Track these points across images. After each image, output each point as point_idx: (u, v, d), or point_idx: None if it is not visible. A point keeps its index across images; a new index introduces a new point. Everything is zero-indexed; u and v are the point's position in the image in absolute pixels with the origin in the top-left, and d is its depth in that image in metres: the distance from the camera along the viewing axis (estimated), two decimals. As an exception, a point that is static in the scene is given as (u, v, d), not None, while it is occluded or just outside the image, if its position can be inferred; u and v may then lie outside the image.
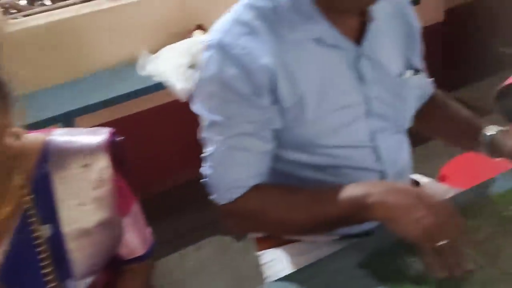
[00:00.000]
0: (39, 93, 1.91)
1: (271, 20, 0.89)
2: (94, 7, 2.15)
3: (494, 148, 1.04)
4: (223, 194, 0.93)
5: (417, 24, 1.06)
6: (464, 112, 1.14)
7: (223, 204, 0.93)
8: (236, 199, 0.92)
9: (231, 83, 0.87)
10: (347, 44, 0.92)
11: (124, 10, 2.14)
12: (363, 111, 0.95)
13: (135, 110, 2.21)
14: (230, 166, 0.92)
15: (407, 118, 1.05)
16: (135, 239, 0.89)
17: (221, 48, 0.88)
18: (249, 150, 0.90)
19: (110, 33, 2.12)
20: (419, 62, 1.06)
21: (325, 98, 0.92)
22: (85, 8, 2.15)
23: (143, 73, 1.93)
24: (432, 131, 1.22)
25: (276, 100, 0.89)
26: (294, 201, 0.90)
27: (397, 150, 1.03)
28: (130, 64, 2.02)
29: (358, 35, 0.94)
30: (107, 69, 2.08)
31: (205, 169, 0.96)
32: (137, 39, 2.12)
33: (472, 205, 0.94)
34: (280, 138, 0.93)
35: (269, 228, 1.00)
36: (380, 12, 0.96)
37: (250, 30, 0.88)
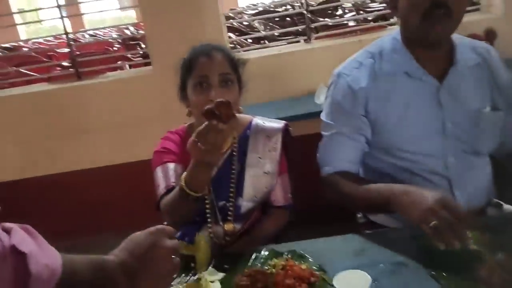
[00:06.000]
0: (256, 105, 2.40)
1: (376, 59, 1.36)
2: (291, 48, 2.88)
3: None
4: (324, 168, 1.39)
5: (506, 75, 1.36)
6: None
7: (323, 175, 1.38)
8: (330, 174, 1.36)
9: (340, 100, 1.36)
10: (430, 79, 1.30)
11: (314, 51, 2.77)
12: (438, 129, 1.29)
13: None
14: (330, 151, 1.39)
15: (485, 145, 1.34)
16: (279, 192, 1.45)
17: (338, 76, 1.39)
18: (342, 144, 1.37)
19: (301, 68, 2.74)
20: (501, 104, 1.34)
21: (407, 115, 1.30)
22: (285, 48, 2.89)
23: (317, 101, 2.48)
24: None
25: (366, 112, 1.33)
26: (359, 186, 1.29)
27: (468, 167, 1.32)
28: (310, 94, 2.59)
29: (442, 74, 1.31)
30: (292, 97, 2.70)
31: (318, 151, 1.43)
32: (318, 75, 2.56)
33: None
34: (371, 142, 1.36)
35: (346, 199, 1.33)
36: (466, 61, 1.32)
37: (359, 65, 1.38)
